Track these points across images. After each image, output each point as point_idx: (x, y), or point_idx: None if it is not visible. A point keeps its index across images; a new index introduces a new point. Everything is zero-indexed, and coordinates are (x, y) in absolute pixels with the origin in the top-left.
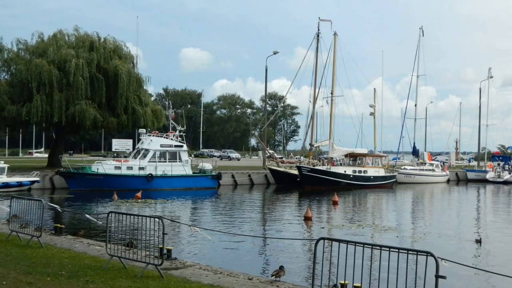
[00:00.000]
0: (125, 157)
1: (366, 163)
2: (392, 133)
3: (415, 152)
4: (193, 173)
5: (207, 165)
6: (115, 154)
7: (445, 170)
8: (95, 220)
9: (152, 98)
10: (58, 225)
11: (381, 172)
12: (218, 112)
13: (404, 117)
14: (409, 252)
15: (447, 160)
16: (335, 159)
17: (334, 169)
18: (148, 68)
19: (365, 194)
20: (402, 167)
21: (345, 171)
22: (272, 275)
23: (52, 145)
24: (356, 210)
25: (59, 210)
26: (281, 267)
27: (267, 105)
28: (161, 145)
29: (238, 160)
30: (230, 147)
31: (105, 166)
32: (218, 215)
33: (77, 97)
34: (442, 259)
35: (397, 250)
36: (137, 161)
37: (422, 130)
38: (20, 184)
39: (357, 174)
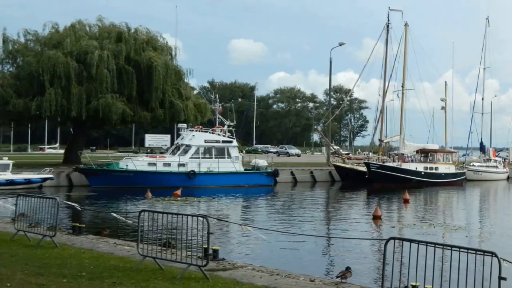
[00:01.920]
0: (161, 153)
1: (437, 160)
2: (463, 127)
3: (482, 148)
4: (244, 169)
5: (261, 161)
6: (148, 150)
7: (505, 167)
8: (123, 219)
9: (195, 92)
10: (77, 224)
11: (452, 169)
12: (274, 106)
13: (473, 111)
14: (476, 252)
15: (507, 156)
16: (406, 155)
17: (405, 165)
18: (191, 60)
19: (436, 192)
20: (471, 164)
21: (416, 168)
22: (337, 277)
23: (69, 140)
24: (427, 208)
25: (78, 208)
26: (348, 268)
27: (332, 99)
28: (206, 141)
29: (298, 156)
30: (289, 143)
31: (137, 163)
32: (275, 214)
33: (101, 90)
34: (504, 260)
35: (465, 250)
36: (176, 157)
37: (488, 125)
38: (28, 181)
39: (428, 171)
